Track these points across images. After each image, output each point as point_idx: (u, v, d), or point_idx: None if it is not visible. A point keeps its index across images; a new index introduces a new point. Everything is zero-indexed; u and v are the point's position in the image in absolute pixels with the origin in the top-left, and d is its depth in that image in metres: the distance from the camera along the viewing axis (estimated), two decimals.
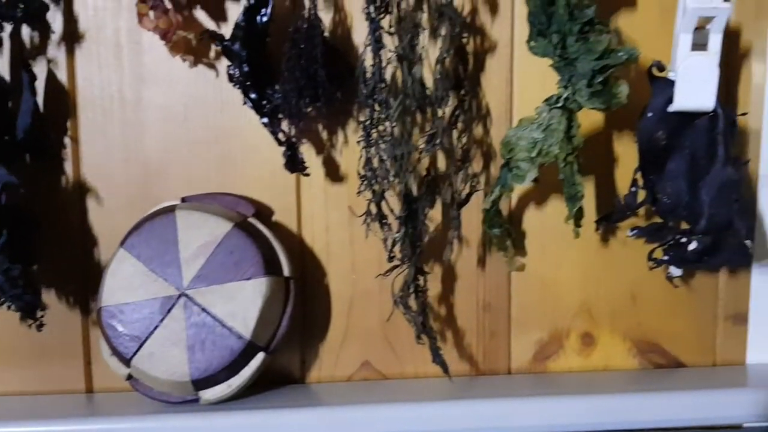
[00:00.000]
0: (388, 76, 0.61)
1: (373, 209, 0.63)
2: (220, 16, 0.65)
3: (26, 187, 0.61)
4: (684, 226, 0.65)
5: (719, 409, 0.66)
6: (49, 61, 0.65)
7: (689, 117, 0.62)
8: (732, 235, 0.62)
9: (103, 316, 0.63)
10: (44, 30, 0.65)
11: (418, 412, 0.65)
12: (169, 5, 0.61)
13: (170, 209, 0.64)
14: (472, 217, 0.68)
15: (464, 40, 0.65)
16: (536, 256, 0.70)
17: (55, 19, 0.65)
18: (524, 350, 0.72)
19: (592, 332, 0.72)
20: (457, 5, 0.63)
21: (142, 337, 0.62)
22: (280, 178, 0.66)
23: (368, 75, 0.61)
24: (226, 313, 0.61)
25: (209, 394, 0.63)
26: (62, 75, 0.66)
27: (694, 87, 0.60)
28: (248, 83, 0.62)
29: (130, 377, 0.64)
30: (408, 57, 0.61)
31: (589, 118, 0.66)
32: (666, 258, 0.65)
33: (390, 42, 0.61)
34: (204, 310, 0.61)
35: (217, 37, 0.62)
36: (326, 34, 0.63)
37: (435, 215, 0.68)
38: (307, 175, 0.65)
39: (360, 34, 0.65)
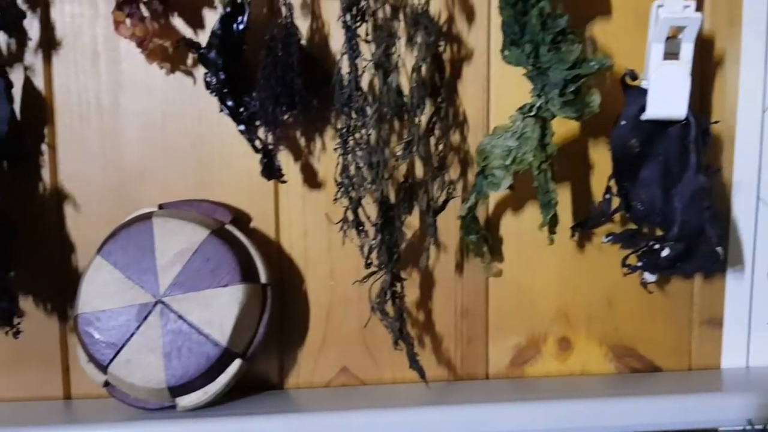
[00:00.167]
0: (364, 84, 0.62)
1: (350, 216, 0.64)
2: (197, 23, 0.65)
3: (3, 193, 0.61)
4: (659, 232, 0.66)
5: (695, 412, 0.67)
6: (26, 68, 0.65)
7: (662, 125, 0.62)
8: (704, 241, 0.63)
9: (80, 323, 0.63)
10: (21, 37, 0.65)
11: (396, 418, 0.65)
12: (145, 13, 0.61)
13: (147, 216, 0.64)
14: (449, 224, 0.68)
15: (440, 48, 0.66)
16: (513, 262, 0.71)
17: (32, 26, 0.65)
18: (502, 355, 0.72)
19: (569, 337, 0.72)
20: (434, 14, 0.64)
21: (119, 344, 0.62)
22: (258, 184, 0.67)
23: (344, 83, 0.61)
24: (202, 320, 0.61)
25: (186, 400, 0.63)
26: (39, 82, 0.66)
27: (667, 96, 0.61)
28: (225, 91, 0.62)
29: (107, 384, 0.64)
30: (384, 65, 0.61)
31: (565, 126, 0.67)
32: (640, 264, 0.65)
33: (367, 50, 0.61)
34: (180, 317, 0.62)
35: (193, 45, 0.62)
36: (303, 41, 0.63)
37: (413, 222, 0.68)
38: (284, 182, 0.65)
39: (337, 41, 0.65)
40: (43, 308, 0.68)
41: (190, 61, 0.66)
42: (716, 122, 0.68)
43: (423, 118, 0.64)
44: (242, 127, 0.63)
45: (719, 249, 0.63)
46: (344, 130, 0.62)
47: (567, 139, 0.68)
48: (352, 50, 0.61)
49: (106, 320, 0.62)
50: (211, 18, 0.65)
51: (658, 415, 0.67)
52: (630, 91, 0.62)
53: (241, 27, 0.61)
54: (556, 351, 0.72)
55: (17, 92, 0.64)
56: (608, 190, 0.65)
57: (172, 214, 0.65)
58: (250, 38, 0.62)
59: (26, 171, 0.66)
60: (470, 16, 0.67)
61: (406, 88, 0.62)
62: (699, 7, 0.67)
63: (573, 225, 0.69)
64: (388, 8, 0.62)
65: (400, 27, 0.62)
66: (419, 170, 0.67)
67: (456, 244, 0.70)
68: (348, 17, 0.60)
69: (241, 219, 0.68)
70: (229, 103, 0.62)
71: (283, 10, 0.61)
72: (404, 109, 0.63)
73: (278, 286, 0.68)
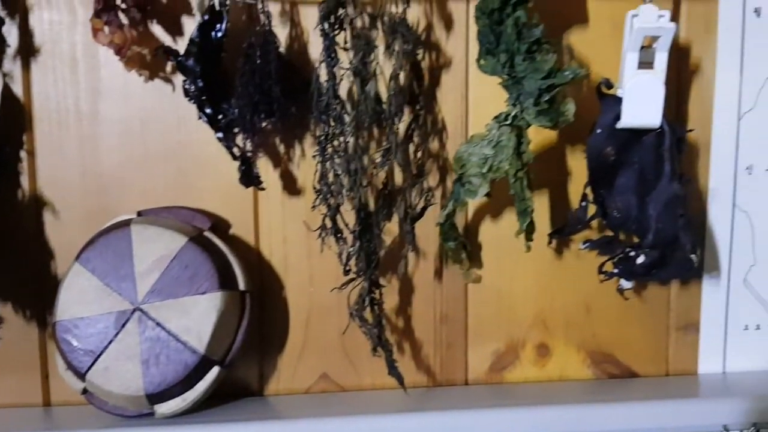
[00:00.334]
0: (343, 91, 0.62)
1: (329, 223, 0.64)
2: (175, 31, 0.65)
3: None
4: (635, 239, 0.67)
5: (672, 418, 0.68)
6: (4, 75, 0.65)
7: (637, 133, 0.63)
8: (678, 249, 0.63)
9: (58, 331, 0.63)
10: None
11: (375, 424, 0.65)
12: (124, 21, 0.61)
13: (125, 223, 0.64)
14: (428, 231, 0.69)
15: (419, 56, 0.66)
16: (492, 269, 0.71)
17: (11, 33, 0.65)
18: (481, 361, 0.72)
19: (547, 343, 0.73)
20: (412, 22, 0.64)
21: (97, 351, 0.62)
22: (238, 191, 0.67)
23: (323, 90, 0.61)
24: (180, 328, 0.62)
25: (164, 408, 0.63)
26: (18, 89, 0.65)
27: (641, 104, 0.61)
28: (203, 98, 0.62)
29: (85, 391, 0.64)
30: (362, 73, 0.61)
31: (542, 134, 0.67)
32: (616, 271, 0.66)
33: (345, 58, 0.62)
34: (158, 324, 0.62)
35: (171, 53, 0.62)
36: (281, 49, 0.63)
37: (392, 228, 0.68)
38: (263, 189, 0.65)
39: (315, 49, 0.66)
40: (22, 315, 0.68)
41: (168, 69, 0.66)
42: (691, 130, 0.69)
43: (401, 126, 0.64)
44: (220, 135, 0.63)
45: (693, 256, 0.63)
46: (322, 138, 0.62)
47: (544, 147, 0.69)
48: (330, 58, 0.61)
49: (84, 327, 0.62)
50: (190, 25, 0.65)
51: (635, 421, 0.67)
52: (605, 99, 0.63)
53: (219, 34, 0.61)
54: (534, 357, 0.73)
55: None
56: (584, 197, 0.66)
57: (150, 221, 0.65)
58: (229, 46, 0.62)
59: (5, 177, 0.66)
60: (449, 24, 0.67)
61: (384, 96, 0.63)
62: (674, 16, 0.68)
63: (550, 232, 0.69)
64: (366, 17, 0.63)
65: (378, 35, 0.63)
66: (398, 177, 0.67)
67: (435, 251, 0.70)
68: (326, 25, 0.61)
69: (220, 226, 0.68)
70: (208, 110, 0.62)
71: (262, 17, 0.62)
72: (383, 117, 0.63)
73: (257, 293, 0.69)
